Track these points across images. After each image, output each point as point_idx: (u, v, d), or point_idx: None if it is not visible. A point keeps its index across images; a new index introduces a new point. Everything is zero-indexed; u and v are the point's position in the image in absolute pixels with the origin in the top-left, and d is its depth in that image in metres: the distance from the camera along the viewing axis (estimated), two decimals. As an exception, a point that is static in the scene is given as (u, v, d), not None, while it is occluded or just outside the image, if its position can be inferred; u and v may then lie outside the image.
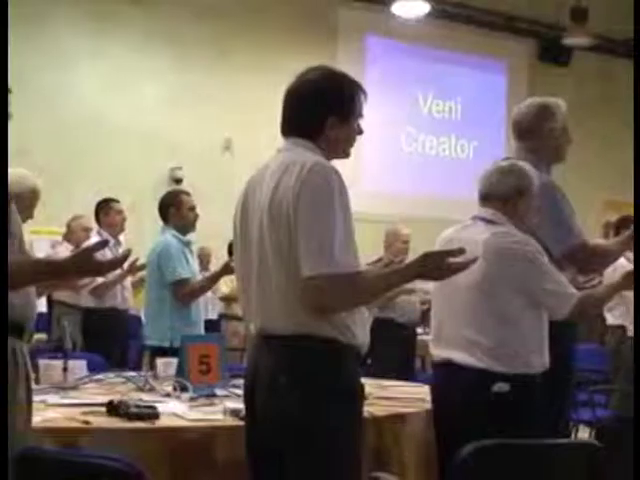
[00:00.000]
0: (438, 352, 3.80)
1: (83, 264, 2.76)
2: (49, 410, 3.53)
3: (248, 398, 2.93)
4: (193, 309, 5.83)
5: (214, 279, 6.19)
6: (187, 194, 6.09)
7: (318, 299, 2.69)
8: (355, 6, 13.27)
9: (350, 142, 2.98)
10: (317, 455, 2.70)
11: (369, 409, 3.36)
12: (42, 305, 7.63)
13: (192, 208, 5.98)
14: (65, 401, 3.82)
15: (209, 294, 7.95)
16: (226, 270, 5.88)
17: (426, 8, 12.66)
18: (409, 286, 6.78)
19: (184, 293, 5.75)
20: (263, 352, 2.84)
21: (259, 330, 2.87)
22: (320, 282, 2.65)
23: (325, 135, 2.90)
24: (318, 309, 2.72)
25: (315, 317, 2.72)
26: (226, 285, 9.92)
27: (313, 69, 2.99)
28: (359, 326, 2.83)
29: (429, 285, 5.73)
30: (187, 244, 5.93)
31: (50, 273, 2.92)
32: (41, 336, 6.82)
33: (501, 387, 3.55)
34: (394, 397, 4.15)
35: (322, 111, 2.90)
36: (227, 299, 10.24)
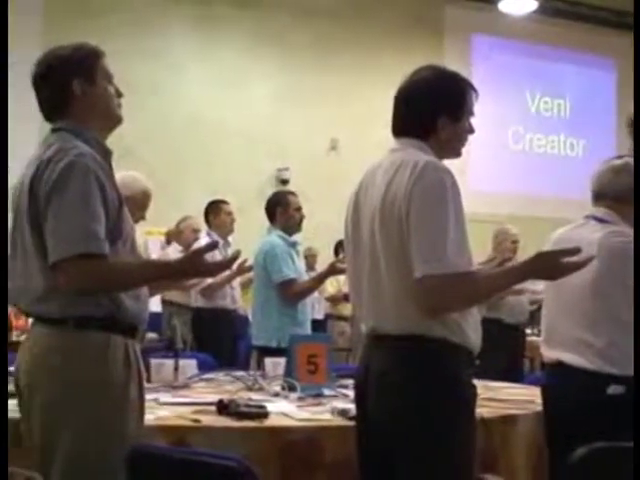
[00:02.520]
0: (549, 353, 3.74)
1: (194, 266, 2.79)
2: (161, 408, 3.59)
3: (359, 398, 2.92)
4: (300, 309, 5.84)
5: (320, 279, 6.19)
6: (294, 195, 6.12)
7: (430, 299, 2.66)
8: (462, 5, 13.19)
9: (462, 141, 2.96)
10: (429, 456, 2.67)
11: (478, 410, 3.32)
12: (156, 305, 7.76)
13: (298, 209, 6.00)
14: (176, 400, 3.87)
15: (315, 294, 7.97)
16: (332, 270, 5.89)
17: (533, 5, 12.54)
18: (518, 286, 6.70)
19: (290, 293, 5.77)
20: (374, 352, 2.84)
21: (370, 330, 2.85)
22: (433, 282, 2.62)
23: (437, 135, 2.88)
24: (430, 309, 2.69)
25: (427, 317, 2.70)
26: (332, 285, 9.95)
27: (423, 69, 2.96)
28: (471, 327, 2.80)
29: (538, 285, 5.63)
30: (293, 245, 5.95)
31: (161, 274, 2.97)
32: (152, 335, 6.92)
33: (615, 389, 3.47)
34: (503, 399, 4.09)
35: (433, 111, 2.87)
36: (333, 299, 10.27)
